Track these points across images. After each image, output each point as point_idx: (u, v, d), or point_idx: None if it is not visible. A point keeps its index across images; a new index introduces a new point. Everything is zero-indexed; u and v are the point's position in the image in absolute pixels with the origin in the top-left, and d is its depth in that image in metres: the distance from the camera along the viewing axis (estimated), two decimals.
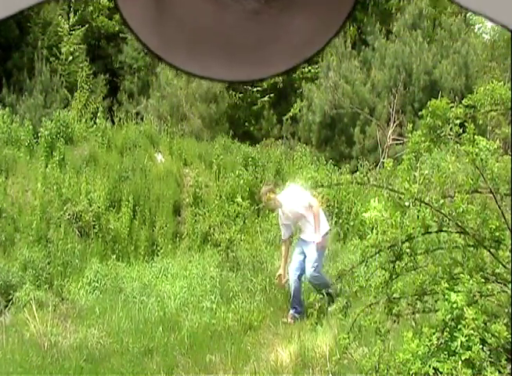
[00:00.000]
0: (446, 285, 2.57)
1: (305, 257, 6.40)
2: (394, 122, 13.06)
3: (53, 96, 14.56)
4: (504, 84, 2.91)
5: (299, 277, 6.39)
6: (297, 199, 6.36)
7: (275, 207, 6.64)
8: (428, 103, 2.96)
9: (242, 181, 10.86)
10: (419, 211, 2.77)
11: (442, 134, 2.90)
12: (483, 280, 2.59)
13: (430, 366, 2.47)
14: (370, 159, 12.56)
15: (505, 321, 2.57)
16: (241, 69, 0.70)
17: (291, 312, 6.23)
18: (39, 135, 11.41)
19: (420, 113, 3.02)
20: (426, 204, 2.77)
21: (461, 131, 2.88)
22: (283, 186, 8.05)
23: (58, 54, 15.89)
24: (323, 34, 0.67)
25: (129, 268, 8.66)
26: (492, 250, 2.70)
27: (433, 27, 15.61)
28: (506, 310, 2.65)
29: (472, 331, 2.42)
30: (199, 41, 0.69)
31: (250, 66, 0.70)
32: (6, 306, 6.89)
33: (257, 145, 14.23)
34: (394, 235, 2.71)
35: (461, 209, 2.67)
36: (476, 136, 2.79)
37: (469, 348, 2.41)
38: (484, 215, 2.72)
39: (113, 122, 13.75)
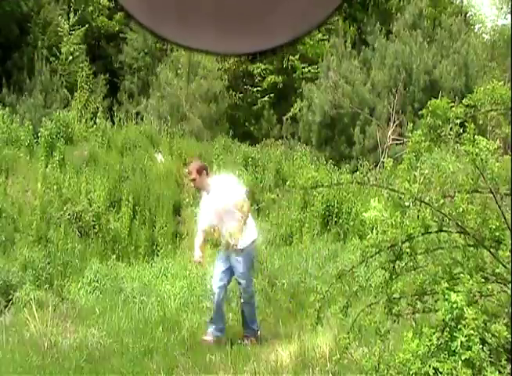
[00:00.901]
0: (446, 285, 2.57)
1: (230, 266, 5.64)
2: (394, 122, 13.06)
3: (53, 96, 14.56)
4: (504, 84, 2.91)
5: (222, 290, 5.65)
6: (231, 191, 5.58)
7: (202, 188, 5.77)
8: (428, 102, 2.96)
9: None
10: (419, 211, 2.77)
11: (442, 134, 2.90)
12: (483, 280, 2.59)
13: (430, 366, 2.46)
14: (370, 159, 12.57)
15: (505, 321, 2.57)
16: (236, 41, 0.66)
17: (211, 329, 5.61)
18: (39, 135, 11.41)
19: (420, 113, 3.02)
20: (426, 203, 2.77)
21: (461, 131, 2.88)
22: (283, 186, 8.04)
23: (58, 54, 15.89)
24: (325, 4, 0.65)
25: (129, 268, 8.66)
26: (492, 250, 2.70)
27: (433, 27, 15.61)
28: (506, 310, 2.65)
29: (472, 331, 2.42)
30: (190, 10, 0.63)
31: (246, 37, 0.65)
32: (6, 306, 6.89)
33: (257, 145, 14.24)
34: (394, 235, 2.71)
35: (461, 209, 2.67)
36: (476, 136, 2.79)
37: (469, 348, 2.41)
38: (485, 215, 2.72)
39: (113, 122, 13.76)
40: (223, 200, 5.53)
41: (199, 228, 6.02)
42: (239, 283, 5.67)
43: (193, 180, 5.70)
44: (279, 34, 0.65)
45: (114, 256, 8.95)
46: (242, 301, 5.77)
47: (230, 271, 5.65)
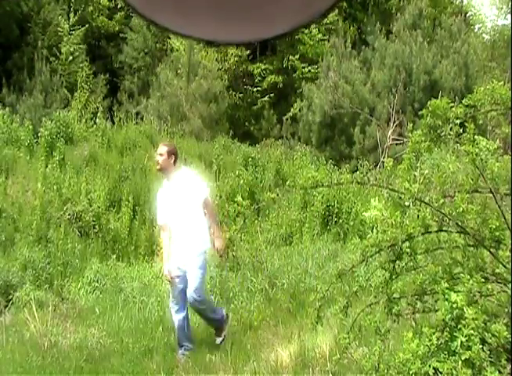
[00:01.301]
0: (446, 285, 2.57)
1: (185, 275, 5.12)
2: (394, 122, 13.06)
3: (53, 96, 14.57)
4: (504, 84, 2.91)
5: (181, 307, 5.19)
6: (200, 186, 5.20)
7: (166, 172, 5.20)
8: (428, 102, 2.96)
9: (242, 181, 10.87)
10: (419, 210, 2.77)
11: (442, 134, 2.90)
12: (483, 280, 2.59)
13: (430, 366, 2.47)
14: (370, 159, 12.57)
15: (505, 321, 2.57)
16: (236, 29, 0.64)
17: (180, 352, 5.18)
18: (39, 135, 11.43)
19: (420, 113, 3.02)
20: (426, 203, 2.77)
21: (461, 131, 2.88)
22: (283, 186, 8.03)
23: (58, 54, 15.90)
24: None
25: (129, 268, 8.66)
26: (492, 250, 2.70)
27: (433, 27, 15.62)
28: (506, 310, 2.65)
29: (472, 331, 2.42)
30: None
31: (246, 26, 0.63)
32: (6, 306, 6.89)
33: (257, 145, 14.25)
34: (394, 234, 2.72)
35: (461, 209, 2.67)
36: (476, 136, 2.79)
37: (469, 348, 2.41)
38: (484, 215, 2.72)
39: (113, 122, 13.77)
40: (190, 194, 5.08)
41: (159, 223, 5.42)
42: (190, 291, 5.03)
43: (162, 161, 5.14)
44: (279, 22, 0.64)
45: (114, 256, 8.94)
46: (194, 311, 5.28)
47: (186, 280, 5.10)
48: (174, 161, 5.19)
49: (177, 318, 5.18)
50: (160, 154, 5.17)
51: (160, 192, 5.32)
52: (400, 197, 2.79)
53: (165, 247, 5.29)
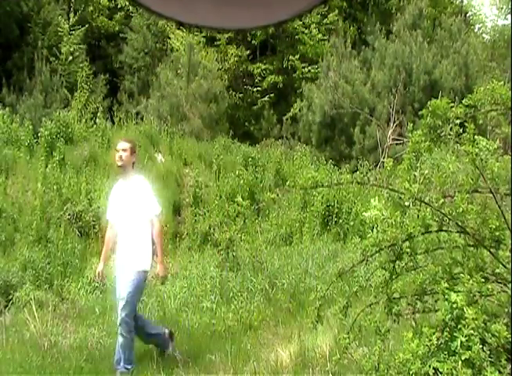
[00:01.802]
0: (446, 285, 2.57)
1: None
2: (394, 122, 13.06)
3: (53, 96, 14.57)
4: (504, 84, 2.90)
5: (128, 324, 4.76)
6: (152, 200, 4.88)
7: (126, 170, 4.89)
8: (428, 102, 2.96)
9: (242, 181, 10.87)
10: (419, 210, 2.77)
11: (442, 134, 2.90)
12: (483, 280, 2.59)
13: (430, 366, 2.47)
14: (370, 159, 12.57)
15: (505, 321, 2.57)
16: (235, 15, 0.63)
17: (119, 367, 4.80)
18: (39, 135, 11.42)
19: (420, 113, 3.02)
20: (426, 203, 2.77)
21: (461, 131, 2.88)
22: (283, 186, 8.04)
23: (58, 54, 15.91)
24: None
25: None
26: (492, 250, 2.70)
27: (433, 27, 15.63)
28: (506, 310, 2.65)
29: (472, 331, 2.42)
30: None
31: (246, 12, 0.63)
32: (6, 306, 6.89)
33: (257, 145, 14.25)
34: (395, 234, 2.72)
35: (461, 209, 2.67)
36: (476, 136, 2.79)
37: (469, 348, 2.41)
38: (484, 215, 2.72)
39: (113, 122, 13.77)
40: (140, 207, 4.80)
41: (107, 218, 5.18)
42: (121, 310, 4.68)
43: (125, 157, 4.84)
44: (279, 9, 0.63)
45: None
46: (118, 331, 4.78)
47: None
48: (134, 161, 4.96)
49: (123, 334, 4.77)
50: (124, 150, 4.87)
51: (115, 189, 5.08)
52: (400, 197, 2.79)
53: (106, 245, 5.11)
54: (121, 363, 4.80)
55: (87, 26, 16.78)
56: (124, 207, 4.89)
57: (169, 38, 17.48)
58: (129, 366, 4.81)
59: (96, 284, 7.61)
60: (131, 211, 4.84)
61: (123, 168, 4.91)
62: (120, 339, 4.78)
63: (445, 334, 2.50)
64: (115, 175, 5.66)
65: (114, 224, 5.02)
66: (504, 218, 2.70)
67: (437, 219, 2.76)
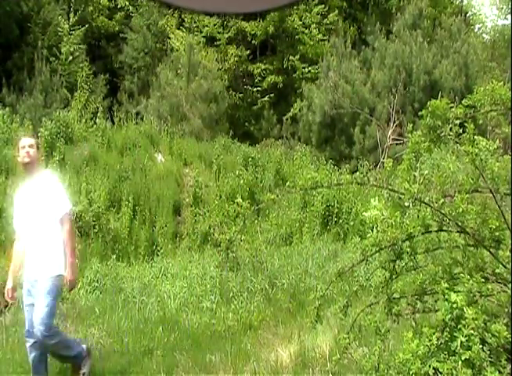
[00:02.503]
0: (446, 285, 2.57)
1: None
2: (394, 122, 13.07)
3: (53, 96, 14.58)
4: (504, 84, 2.90)
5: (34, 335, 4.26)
6: (61, 198, 4.43)
7: (33, 169, 4.50)
8: (428, 103, 2.96)
9: (242, 181, 10.88)
10: (419, 210, 2.77)
11: (442, 134, 2.90)
12: (483, 280, 2.59)
13: (430, 366, 2.46)
14: (370, 159, 12.58)
15: (505, 321, 2.57)
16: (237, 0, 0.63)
17: (82, 368, 4.52)
18: (39, 135, 11.42)
19: (420, 113, 3.02)
20: (426, 203, 2.77)
21: (461, 131, 2.88)
22: (283, 186, 8.02)
23: (58, 54, 15.91)
24: None
25: (129, 268, 8.66)
26: (492, 250, 2.70)
27: (433, 27, 15.63)
28: (506, 310, 2.65)
29: (472, 331, 2.42)
30: None
31: None
32: (6, 306, 6.88)
33: (257, 145, 14.26)
34: (395, 234, 2.72)
35: (461, 209, 2.67)
36: (476, 136, 2.79)
37: (469, 348, 2.41)
38: (484, 215, 2.72)
39: (113, 122, 13.78)
40: (47, 205, 4.34)
41: (14, 228, 4.56)
42: (36, 323, 4.16)
43: (33, 153, 4.49)
44: None
45: (114, 256, 8.94)
46: (43, 349, 4.29)
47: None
48: (39, 157, 4.62)
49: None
50: (30, 146, 4.51)
51: (20, 193, 4.57)
52: (400, 197, 2.79)
53: (14, 259, 4.50)
54: (79, 363, 4.54)
55: (87, 26, 16.79)
56: (30, 211, 4.40)
57: (169, 38, 17.49)
58: (83, 355, 4.54)
59: (96, 284, 7.61)
60: (39, 212, 4.36)
61: (31, 165, 4.50)
62: (53, 352, 4.40)
63: (445, 334, 2.50)
64: (19, 176, 5.24)
65: (21, 234, 4.47)
66: (504, 218, 2.70)
67: (437, 219, 2.76)
